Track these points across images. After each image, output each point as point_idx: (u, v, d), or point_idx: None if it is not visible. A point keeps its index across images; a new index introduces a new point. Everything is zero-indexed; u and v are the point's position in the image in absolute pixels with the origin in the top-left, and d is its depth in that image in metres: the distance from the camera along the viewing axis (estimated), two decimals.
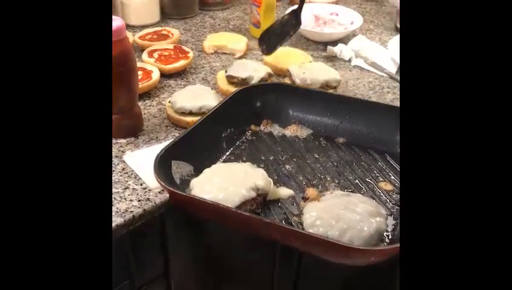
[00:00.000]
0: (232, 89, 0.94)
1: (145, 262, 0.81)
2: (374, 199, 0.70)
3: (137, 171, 0.75)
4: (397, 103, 0.96)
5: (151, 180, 0.73)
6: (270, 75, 0.96)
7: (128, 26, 1.16)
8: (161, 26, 1.22)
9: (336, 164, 0.78)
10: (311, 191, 0.72)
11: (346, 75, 1.05)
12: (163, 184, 0.63)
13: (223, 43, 1.12)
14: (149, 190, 0.72)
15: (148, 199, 0.70)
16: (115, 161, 0.78)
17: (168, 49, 1.05)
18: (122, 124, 0.82)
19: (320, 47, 1.16)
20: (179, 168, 0.70)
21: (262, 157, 0.79)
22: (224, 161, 0.77)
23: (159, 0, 1.23)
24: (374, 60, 1.09)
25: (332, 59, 1.12)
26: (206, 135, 0.75)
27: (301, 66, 0.98)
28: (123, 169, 0.76)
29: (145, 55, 1.03)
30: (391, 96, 0.98)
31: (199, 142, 0.74)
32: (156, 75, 0.95)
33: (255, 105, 0.85)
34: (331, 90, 0.95)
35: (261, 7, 1.14)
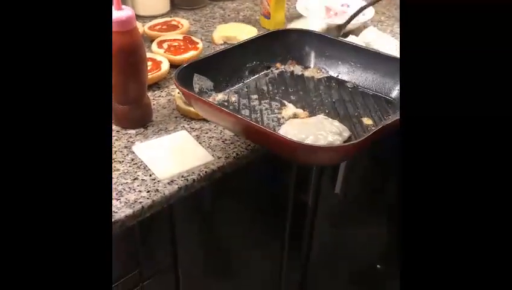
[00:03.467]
0: None
1: (153, 253, 0.81)
2: (350, 128, 0.76)
3: (146, 162, 0.75)
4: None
5: (161, 171, 0.73)
6: None
7: (138, 17, 1.16)
8: (171, 17, 1.21)
9: (333, 100, 0.84)
10: (300, 112, 0.80)
11: None
12: (178, 84, 0.72)
13: (233, 34, 1.11)
14: (158, 181, 0.72)
15: (157, 189, 0.70)
16: (124, 151, 0.78)
17: (177, 39, 1.05)
18: (131, 114, 0.82)
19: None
20: (200, 81, 0.79)
21: (274, 87, 0.86)
22: (242, 87, 0.85)
23: None
24: (380, 49, 1.07)
25: None
26: (232, 60, 0.83)
27: None
28: (132, 160, 0.76)
29: (154, 46, 1.02)
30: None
31: (224, 65, 0.82)
32: (165, 66, 0.95)
33: (283, 46, 0.91)
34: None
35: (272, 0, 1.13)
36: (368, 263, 1.26)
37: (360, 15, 1.19)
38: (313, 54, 0.92)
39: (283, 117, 0.79)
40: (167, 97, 0.92)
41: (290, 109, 0.80)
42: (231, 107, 0.80)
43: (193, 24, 1.19)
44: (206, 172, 0.74)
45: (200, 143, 0.80)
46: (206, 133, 0.83)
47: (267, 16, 1.16)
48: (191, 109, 0.85)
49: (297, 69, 0.91)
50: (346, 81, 0.89)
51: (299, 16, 1.21)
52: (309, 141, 0.69)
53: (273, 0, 1.13)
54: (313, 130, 0.72)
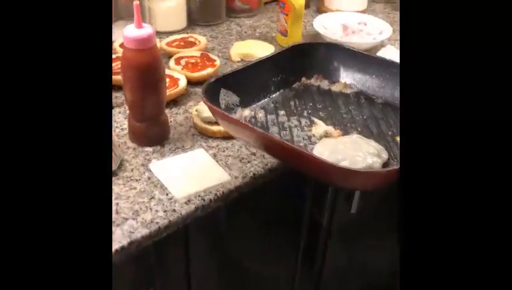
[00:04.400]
0: None
1: (167, 271, 0.80)
2: (386, 148, 0.74)
3: (163, 181, 0.75)
4: None
5: (177, 190, 0.73)
6: None
7: (156, 33, 1.16)
8: (187, 33, 1.22)
9: (365, 117, 0.83)
10: (331, 130, 0.78)
11: None
12: (206, 100, 0.71)
13: (250, 51, 1.11)
14: (175, 201, 0.71)
15: (174, 209, 0.70)
16: (140, 169, 0.77)
17: (195, 56, 1.05)
18: (149, 132, 0.82)
19: None
20: (226, 96, 0.78)
21: (301, 103, 0.85)
22: (268, 102, 0.84)
23: (186, 6, 1.23)
24: None
25: None
26: (258, 75, 0.82)
27: None
28: (149, 178, 0.76)
29: (172, 63, 1.02)
30: None
31: (250, 79, 0.81)
32: (183, 83, 0.95)
33: (309, 60, 0.89)
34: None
35: (289, 16, 1.13)
36: (380, 281, 1.24)
37: (377, 33, 1.20)
38: (340, 69, 0.91)
39: (314, 135, 0.77)
40: (184, 114, 0.92)
41: (320, 126, 0.79)
42: (259, 124, 0.79)
43: (210, 41, 1.20)
44: (223, 192, 0.74)
45: (217, 162, 0.80)
46: (223, 151, 0.83)
47: (284, 34, 1.16)
48: (209, 126, 0.85)
49: (324, 84, 0.90)
50: (376, 97, 0.87)
51: (316, 34, 1.20)
52: (346, 163, 0.67)
53: (291, 18, 1.13)
54: (349, 151, 0.69)
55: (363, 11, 1.37)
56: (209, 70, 1.01)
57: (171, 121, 0.88)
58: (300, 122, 0.80)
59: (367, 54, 0.92)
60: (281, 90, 0.87)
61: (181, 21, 1.23)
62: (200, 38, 1.14)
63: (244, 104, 0.82)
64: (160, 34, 1.19)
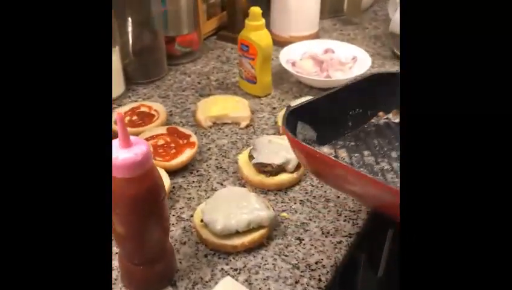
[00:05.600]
0: (266, 180, 0.75)
1: None
2: None
3: None
4: None
5: None
6: None
7: None
8: (129, 97, 0.98)
9: None
10: None
11: None
12: (286, 131, 0.61)
13: (223, 112, 0.90)
14: None
15: None
16: None
17: (161, 135, 0.82)
18: (154, 273, 0.59)
19: None
20: (303, 130, 0.68)
21: (386, 142, 0.72)
22: (348, 139, 0.72)
23: (121, 66, 0.98)
24: None
25: None
26: (334, 107, 0.71)
27: None
28: None
29: None
30: None
31: (326, 112, 0.70)
32: (165, 180, 0.72)
33: (387, 91, 0.76)
34: None
35: (257, 60, 0.94)
36: None
37: (350, 59, 1.06)
38: None
39: None
40: (180, 224, 0.70)
41: None
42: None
43: (162, 102, 0.97)
44: None
45: None
46: (257, 272, 0.62)
47: (253, 81, 0.97)
48: (226, 241, 0.64)
49: None
50: None
51: (284, 74, 1.03)
52: None
53: (259, 62, 0.94)
54: None
55: (316, 34, 1.22)
56: (189, 153, 0.79)
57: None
58: (392, 166, 0.66)
59: None
60: (359, 126, 0.75)
61: (119, 85, 0.98)
62: (156, 106, 0.91)
63: (321, 140, 0.70)
64: None
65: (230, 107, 0.91)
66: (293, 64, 1.04)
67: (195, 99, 0.97)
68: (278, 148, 0.77)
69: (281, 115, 0.90)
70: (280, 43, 1.13)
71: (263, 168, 0.75)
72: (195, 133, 0.87)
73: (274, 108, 0.96)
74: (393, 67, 1.09)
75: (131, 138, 0.52)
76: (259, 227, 0.66)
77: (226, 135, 0.88)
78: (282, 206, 0.73)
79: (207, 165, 0.81)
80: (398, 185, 0.59)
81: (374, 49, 1.18)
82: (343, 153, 0.68)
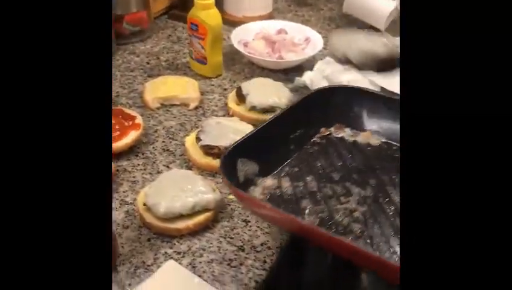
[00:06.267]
0: (213, 162, 0.73)
1: None
2: None
3: None
4: None
5: None
6: None
7: None
8: None
9: None
10: None
11: None
12: (222, 174, 0.57)
13: (171, 93, 0.88)
14: None
15: None
16: None
17: None
18: None
19: (281, 76, 0.97)
20: (244, 166, 0.64)
21: (328, 163, 0.69)
22: (291, 165, 0.69)
23: None
24: None
25: (302, 92, 0.93)
26: (274, 135, 0.68)
27: None
28: None
29: None
30: None
31: (267, 142, 0.66)
32: None
33: (326, 108, 0.75)
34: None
35: (206, 40, 0.92)
36: None
37: (303, 41, 1.05)
38: (363, 115, 0.76)
39: (355, 209, 0.60)
40: (123, 208, 0.67)
41: (353, 203, 0.61)
42: (286, 197, 0.62)
43: None
44: None
45: (200, 276, 0.58)
46: (201, 255, 0.61)
47: (202, 61, 0.95)
48: (170, 225, 0.63)
49: (347, 134, 0.74)
50: None
51: (236, 54, 1.01)
52: None
53: (209, 42, 0.92)
54: None
55: (270, 14, 1.20)
56: (134, 135, 0.76)
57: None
58: (334, 192, 0.63)
59: (390, 96, 0.78)
60: (302, 148, 0.72)
61: None
62: None
63: (265, 171, 0.66)
64: None
65: (179, 88, 0.89)
66: (246, 44, 1.02)
67: (144, 80, 0.94)
68: (226, 130, 0.75)
69: (231, 96, 0.88)
70: (233, 23, 1.11)
71: (210, 151, 0.73)
72: (142, 115, 0.84)
73: (225, 89, 0.94)
74: None
75: None
76: (205, 210, 0.65)
77: (174, 117, 0.86)
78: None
79: (153, 147, 0.79)
80: (340, 217, 0.59)
81: (328, 31, 1.17)
82: (286, 183, 0.65)
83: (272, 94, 0.85)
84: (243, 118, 0.81)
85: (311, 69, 0.97)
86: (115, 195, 0.69)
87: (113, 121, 0.78)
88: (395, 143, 0.73)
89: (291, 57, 0.99)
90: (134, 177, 0.73)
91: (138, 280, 0.58)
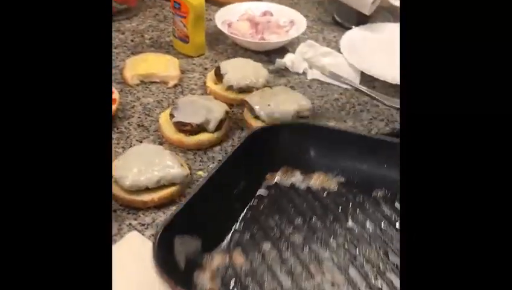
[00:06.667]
0: (185, 139, 0.74)
1: None
2: None
3: None
4: (376, 123, 0.83)
5: None
6: (227, 112, 0.77)
7: None
8: None
9: (381, 234, 0.60)
10: (341, 281, 0.53)
11: (307, 93, 0.89)
12: (160, 270, 0.47)
13: (151, 70, 0.88)
14: None
15: None
16: None
17: None
18: None
19: (263, 58, 0.98)
20: (183, 245, 0.53)
21: (283, 220, 0.61)
22: (241, 232, 0.59)
23: None
24: (331, 70, 0.94)
25: (283, 73, 0.95)
26: (214, 196, 0.58)
27: (262, 96, 0.80)
28: None
29: None
30: (366, 114, 0.85)
31: (206, 208, 0.56)
32: None
33: (270, 150, 0.67)
34: (302, 120, 0.78)
35: (188, 18, 0.92)
36: None
37: (288, 23, 1.05)
38: (311, 153, 0.68)
39: (333, 283, 0.53)
40: None
41: (327, 272, 0.54)
42: (243, 278, 0.53)
43: None
44: None
45: None
46: None
47: (185, 40, 0.95)
48: (135, 197, 0.64)
49: (298, 178, 0.67)
50: (373, 188, 0.66)
51: (220, 35, 1.02)
52: None
53: (191, 21, 0.93)
54: None
55: None
56: None
57: None
58: (301, 261, 0.55)
59: (340, 129, 0.74)
60: (249, 205, 0.63)
61: None
62: None
63: (211, 245, 0.56)
64: None
65: (159, 65, 0.90)
66: (230, 25, 1.03)
67: (126, 57, 0.95)
68: (199, 108, 0.76)
69: (210, 75, 0.89)
70: (219, 3, 1.11)
71: (183, 127, 0.74)
72: (121, 91, 0.85)
73: (206, 68, 0.94)
74: (332, 33, 1.09)
75: None
76: (171, 184, 0.66)
77: (153, 94, 0.87)
78: (200, 165, 0.73)
79: (128, 122, 0.80)
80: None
81: (316, 14, 1.17)
82: (239, 258, 0.55)
83: (249, 74, 0.85)
84: (219, 97, 0.82)
85: (294, 52, 0.97)
86: None
87: None
88: (353, 183, 0.66)
89: (274, 39, 0.99)
90: None
91: None
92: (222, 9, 1.05)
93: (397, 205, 0.63)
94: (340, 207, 0.63)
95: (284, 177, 0.67)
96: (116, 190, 0.65)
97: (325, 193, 0.65)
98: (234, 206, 0.61)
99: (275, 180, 0.67)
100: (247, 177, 0.64)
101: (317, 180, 0.66)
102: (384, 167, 0.66)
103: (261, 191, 0.65)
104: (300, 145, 0.68)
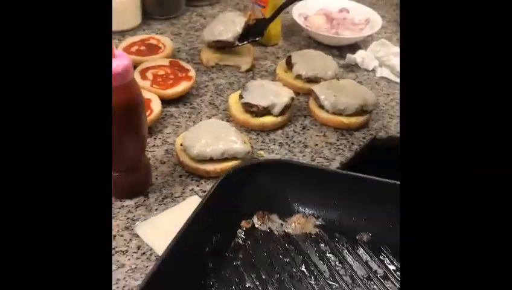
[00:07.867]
0: (251, 119, 0.79)
1: None
2: None
3: (157, 250, 0.59)
4: None
5: None
6: (293, 99, 0.81)
7: None
8: (144, 30, 1.03)
9: (365, 283, 0.56)
10: None
11: (374, 90, 0.91)
12: None
13: (226, 53, 0.94)
14: None
15: None
16: (125, 235, 0.61)
17: (163, 66, 0.87)
18: (129, 182, 0.65)
19: (335, 52, 1.00)
20: None
21: (266, 271, 0.56)
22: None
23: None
24: None
25: (352, 69, 0.97)
26: (185, 257, 0.53)
27: (329, 87, 0.83)
28: (139, 248, 0.60)
29: (137, 76, 0.84)
30: None
31: (177, 272, 0.52)
32: (157, 106, 0.77)
33: (242, 194, 0.62)
34: (363, 117, 0.81)
35: (267, 8, 0.97)
36: None
37: (363, 22, 1.06)
38: (288, 196, 0.63)
39: None
40: (163, 147, 0.75)
41: None
42: None
43: (173, 39, 1.01)
44: None
45: None
46: None
47: None
48: (200, 165, 0.69)
49: (275, 223, 0.62)
50: (356, 232, 0.61)
51: (295, 27, 1.05)
52: None
53: (269, 10, 0.97)
54: None
55: None
56: (185, 85, 0.83)
57: (149, 158, 0.71)
58: None
59: (320, 167, 0.70)
60: (222, 261, 0.57)
61: (135, 17, 1.03)
62: (164, 39, 0.95)
63: None
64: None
65: (234, 50, 0.95)
66: (306, 18, 1.06)
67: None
68: (267, 92, 0.80)
69: (280, 63, 0.93)
70: None
71: (250, 108, 0.79)
72: (197, 70, 0.91)
73: (278, 57, 0.99)
74: None
75: (116, 51, 0.56)
76: (233, 158, 0.70)
77: (226, 76, 0.92)
78: (262, 145, 0.77)
79: (201, 100, 0.86)
80: None
81: (392, 15, 1.18)
82: None
83: (319, 65, 0.89)
84: (287, 85, 0.86)
85: (366, 49, 0.99)
86: (159, 135, 0.77)
87: (169, 71, 0.86)
88: (335, 226, 0.61)
89: (348, 34, 1.01)
90: (179, 122, 0.80)
91: (164, 207, 0.65)
92: (300, 2, 1.08)
93: (383, 252, 0.59)
94: (320, 255, 0.59)
95: (260, 223, 0.62)
96: (184, 158, 0.70)
97: (306, 240, 0.60)
98: (208, 265, 0.56)
99: (250, 226, 0.62)
100: (220, 228, 0.59)
101: (295, 225, 0.62)
102: (369, 206, 0.61)
103: (236, 242, 0.60)
104: (276, 185, 0.62)
